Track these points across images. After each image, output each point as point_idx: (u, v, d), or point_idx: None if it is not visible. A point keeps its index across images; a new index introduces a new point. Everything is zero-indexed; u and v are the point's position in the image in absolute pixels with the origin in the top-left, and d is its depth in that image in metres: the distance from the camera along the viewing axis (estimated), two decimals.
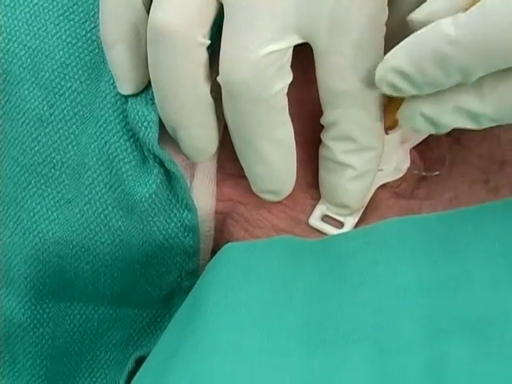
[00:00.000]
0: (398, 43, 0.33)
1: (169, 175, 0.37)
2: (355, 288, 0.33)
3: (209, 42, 0.34)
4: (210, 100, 0.36)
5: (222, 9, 0.34)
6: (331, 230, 0.37)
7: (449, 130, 0.34)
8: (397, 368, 0.29)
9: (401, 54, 0.33)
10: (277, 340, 0.32)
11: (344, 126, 0.36)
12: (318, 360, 0.30)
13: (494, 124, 0.34)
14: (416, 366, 0.29)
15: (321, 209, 0.38)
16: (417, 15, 0.33)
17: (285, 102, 0.35)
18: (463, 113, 0.33)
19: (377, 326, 0.31)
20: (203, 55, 0.35)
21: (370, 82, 0.34)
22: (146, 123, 0.36)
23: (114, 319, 0.41)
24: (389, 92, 0.33)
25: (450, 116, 0.33)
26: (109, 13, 0.36)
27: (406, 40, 0.32)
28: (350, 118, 0.35)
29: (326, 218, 0.38)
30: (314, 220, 0.38)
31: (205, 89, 0.35)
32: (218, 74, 0.34)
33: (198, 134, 0.36)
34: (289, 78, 0.35)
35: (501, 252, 0.32)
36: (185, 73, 0.34)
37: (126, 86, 0.37)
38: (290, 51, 0.34)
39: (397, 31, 0.35)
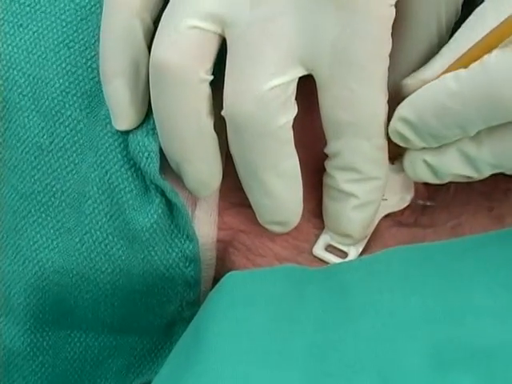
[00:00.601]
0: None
1: (170, 205, 0.37)
2: (358, 318, 0.32)
3: (211, 77, 0.34)
4: (213, 134, 0.36)
5: (224, 43, 0.34)
6: (335, 260, 0.37)
7: (450, 179, 0.35)
8: None
9: (408, 104, 0.34)
10: (280, 372, 0.31)
11: (348, 157, 0.35)
12: None
13: (497, 171, 0.34)
14: None
15: (324, 238, 0.38)
16: (411, 80, 0.35)
17: (290, 134, 0.35)
18: (463, 159, 0.34)
19: (381, 356, 0.31)
20: (206, 90, 0.34)
21: (373, 113, 0.34)
22: (146, 153, 0.36)
23: (114, 347, 0.41)
24: (400, 143, 0.34)
25: (450, 163, 0.34)
26: (109, 46, 0.36)
27: (416, 91, 0.34)
28: (353, 148, 0.35)
29: (329, 248, 0.38)
30: (318, 250, 0.38)
31: (208, 124, 0.35)
32: (221, 107, 0.34)
33: (202, 168, 0.36)
34: (294, 110, 0.35)
35: (505, 283, 0.32)
36: (188, 108, 0.34)
37: (121, 122, 0.37)
38: (295, 84, 0.34)
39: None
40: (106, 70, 0.36)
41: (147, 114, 0.37)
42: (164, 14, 0.35)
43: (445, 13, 0.36)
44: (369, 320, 0.32)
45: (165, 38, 0.34)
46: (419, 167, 0.35)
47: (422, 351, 0.31)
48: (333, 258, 0.37)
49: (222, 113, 0.34)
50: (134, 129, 0.36)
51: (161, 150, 0.36)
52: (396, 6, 0.34)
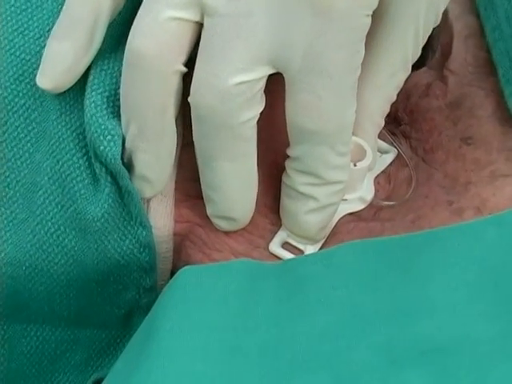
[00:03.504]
0: None
1: (121, 193, 0.36)
2: (312, 314, 0.32)
3: (185, 69, 0.34)
4: (173, 130, 0.35)
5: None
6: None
7: None
8: None
9: None
10: (231, 368, 0.31)
11: (309, 162, 0.35)
12: None
13: None
14: None
15: (281, 235, 0.37)
16: None
17: (252, 131, 0.34)
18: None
19: (333, 353, 0.31)
20: (177, 82, 0.34)
21: (340, 123, 0.34)
22: (109, 136, 0.35)
23: (72, 341, 0.40)
24: None
25: None
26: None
27: None
28: (315, 155, 0.34)
29: (286, 245, 0.37)
30: (274, 246, 0.37)
31: (171, 117, 0.34)
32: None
33: (152, 162, 0.35)
34: (259, 108, 0.34)
35: (463, 279, 0.32)
36: (156, 99, 0.34)
37: (48, 82, 0.35)
38: (263, 82, 0.33)
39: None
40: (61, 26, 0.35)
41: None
42: (144, 1, 0.34)
43: (423, 25, 0.35)
44: (323, 316, 0.32)
45: (144, 27, 0.33)
46: None
47: (376, 348, 0.30)
48: (289, 256, 0.37)
49: (189, 99, 0.34)
50: (94, 113, 0.35)
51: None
52: (372, 15, 0.33)
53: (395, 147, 0.39)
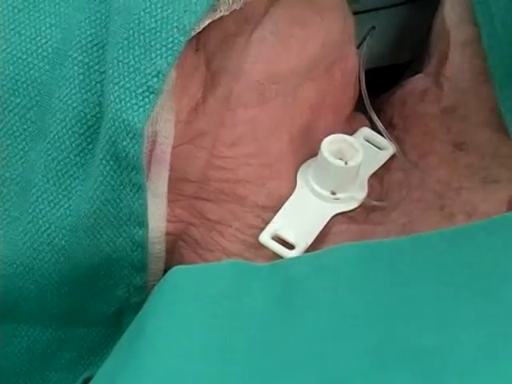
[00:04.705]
0: None
1: (122, 191, 0.36)
2: (301, 315, 0.32)
3: None
4: None
5: None
6: (280, 250, 0.36)
7: None
8: None
9: None
10: (219, 368, 0.31)
11: None
12: None
13: None
14: None
15: (273, 227, 0.37)
16: None
17: None
18: None
19: (321, 355, 0.31)
20: None
21: None
22: (132, 133, 0.34)
23: (62, 340, 0.40)
24: None
25: None
26: None
27: None
28: None
29: (276, 238, 0.37)
30: (264, 238, 0.36)
31: None
32: None
33: None
34: None
35: (451, 282, 0.32)
36: None
37: None
38: None
39: None
40: None
41: None
42: None
43: None
44: (311, 318, 0.32)
45: None
46: None
47: (363, 350, 0.30)
48: (279, 248, 0.36)
49: None
50: (118, 108, 0.34)
51: None
52: None
53: (393, 144, 0.40)
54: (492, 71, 0.40)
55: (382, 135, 0.40)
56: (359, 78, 0.41)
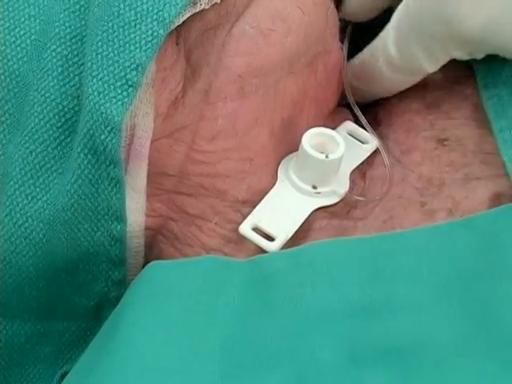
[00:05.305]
0: None
1: (99, 185, 0.35)
2: (278, 311, 0.32)
3: None
4: None
5: None
6: (260, 242, 0.35)
7: None
8: None
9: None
10: (193, 363, 0.31)
11: None
12: None
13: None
14: None
15: (253, 219, 0.36)
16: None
17: None
18: None
19: (296, 351, 0.31)
20: None
21: None
22: (110, 126, 0.34)
23: (42, 334, 0.40)
24: None
25: None
26: None
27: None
28: None
29: (257, 230, 0.36)
30: (245, 229, 0.36)
31: None
32: None
33: None
34: None
35: (430, 280, 0.32)
36: None
37: None
38: None
39: None
40: None
41: None
42: None
43: None
44: (287, 314, 0.32)
45: None
46: None
47: (339, 347, 0.30)
48: (258, 240, 0.36)
49: None
50: (97, 101, 0.34)
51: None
52: None
53: (376, 139, 0.39)
54: (476, 68, 0.40)
55: (366, 130, 0.40)
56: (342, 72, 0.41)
